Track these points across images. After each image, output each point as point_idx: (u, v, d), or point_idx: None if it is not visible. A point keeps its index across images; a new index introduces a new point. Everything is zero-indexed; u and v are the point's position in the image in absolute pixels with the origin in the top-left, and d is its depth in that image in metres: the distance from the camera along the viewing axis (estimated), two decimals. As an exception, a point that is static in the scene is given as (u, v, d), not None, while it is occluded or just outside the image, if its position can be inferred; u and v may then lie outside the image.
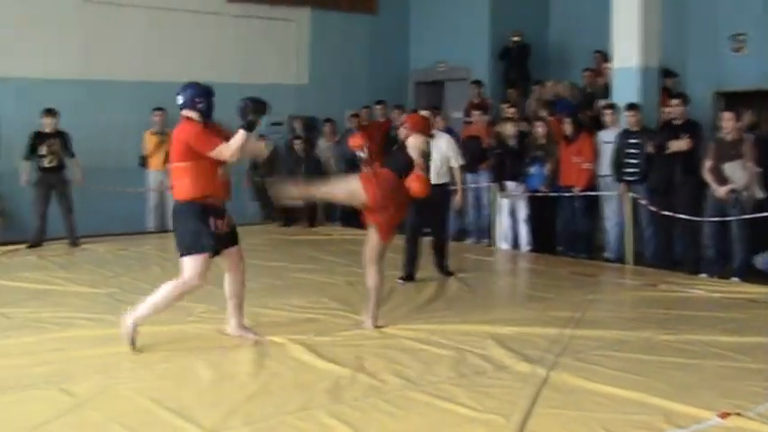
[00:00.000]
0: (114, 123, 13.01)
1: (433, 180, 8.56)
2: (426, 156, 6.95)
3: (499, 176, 11.34)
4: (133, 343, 6.22)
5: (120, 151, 13.02)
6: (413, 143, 6.84)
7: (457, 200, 9.52)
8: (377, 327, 6.87)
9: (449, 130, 12.29)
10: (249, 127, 6.26)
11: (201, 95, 6.41)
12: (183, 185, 6.24)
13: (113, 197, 12.63)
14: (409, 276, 8.96)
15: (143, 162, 13.05)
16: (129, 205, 12.87)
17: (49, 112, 11.58)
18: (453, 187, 9.40)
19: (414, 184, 6.64)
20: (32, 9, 12.48)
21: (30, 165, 11.60)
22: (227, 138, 6.26)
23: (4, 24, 12.26)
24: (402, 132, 7.18)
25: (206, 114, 6.38)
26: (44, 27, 12.55)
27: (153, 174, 13.05)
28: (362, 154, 6.90)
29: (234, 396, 5.24)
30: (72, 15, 12.77)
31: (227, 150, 6.17)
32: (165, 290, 6.29)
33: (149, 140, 12.96)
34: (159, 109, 12.94)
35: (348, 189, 6.81)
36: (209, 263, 6.28)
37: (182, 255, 6.28)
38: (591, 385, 5.35)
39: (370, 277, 6.88)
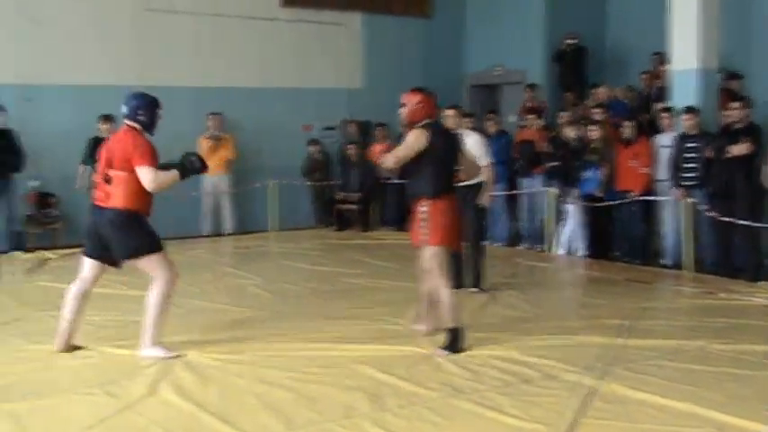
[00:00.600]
0: (169, 129, 12.97)
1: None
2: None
3: (564, 181, 11.14)
4: (171, 354, 6.25)
5: (174, 156, 13.07)
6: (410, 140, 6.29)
7: (485, 198, 8.79)
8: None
9: (503, 134, 12.24)
10: (183, 175, 6.35)
11: (144, 107, 6.32)
12: (122, 194, 6.12)
13: (168, 201, 12.59)
14: (457, 287, 8.63)
15: (199, 168, 13.12)
16: (183, 209, 12.98)
17: (106, 118, 11.73)
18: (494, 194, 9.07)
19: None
20: (91, 18, 12.67)
21: (87, 170, 11.75)
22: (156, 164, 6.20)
23: (64, 33, 12.45)
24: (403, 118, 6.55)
25: (147, 127, 6.33)
26: (102, 35, 12.73)
27: (207, 178, 13.13)
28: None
29: (277, 401, 5.22)
30: (129, 23, 12.93)
31: (153, 179, 6.10)
32: (154, 302, 6.23)
33: (203, 145, 13.06)
34: (214, 114, 13.05)
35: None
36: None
37: (139, 256, 6.20)
38: (641, 396, 5.22)
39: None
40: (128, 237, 6.17)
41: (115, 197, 6.15)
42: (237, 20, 13.70)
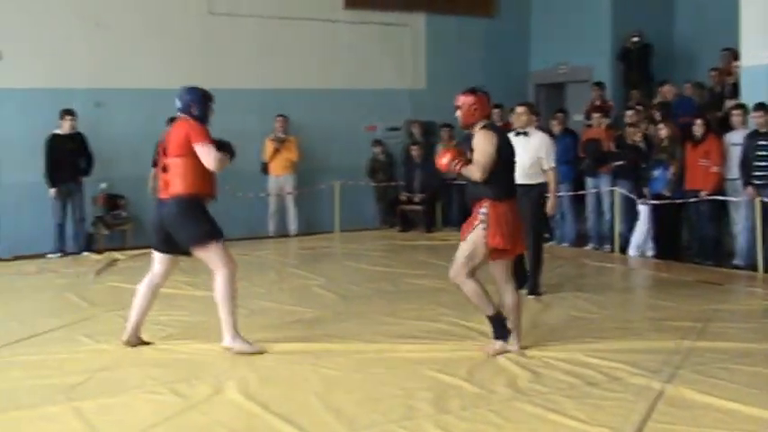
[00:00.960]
0: (235, 130, 13.15)
1: (522, 181, 7.92)
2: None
3: (637, 182, 10.96)
4: (255, 349, 6.34)
5: (240, 157, 13.10)
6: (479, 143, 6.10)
7: (549, 206, 8.48)
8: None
9: (569, 133, 12.10)
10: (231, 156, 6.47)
11: (197, 101, 6.44)
12: (180, 179, 6.23)
13: (234, 202, 12.88)
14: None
15: (264, 168, 13.27)
16: (249, 210, 13.12)
17: (173, 120, 11.87)
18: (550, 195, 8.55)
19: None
20: (157, 22, 12.87)
21: (155, 172, 11.92)
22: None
23: (131, 39, 12.67)
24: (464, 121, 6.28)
25: (200, 120, 6.42)
26: (169, 39, 12.93)
27: (273, 179, 13.27)
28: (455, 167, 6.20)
29: (340, 402, 5.22)
30: (194, 27, 13.10)
31: (216, 155, 6.19)
32: (222, 293, 6.33)
33: (269, 146, 13.17)
34: (281, 116, 13.15)
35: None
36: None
37: (202, 244, 6.29)
38: (710, 400, 5.11)
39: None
40: (190, 224, 6.27)
41: (174, 184, 6.27)
42: (300, 22, 13.78)
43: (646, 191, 10.72)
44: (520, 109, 8.47)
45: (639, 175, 10.89)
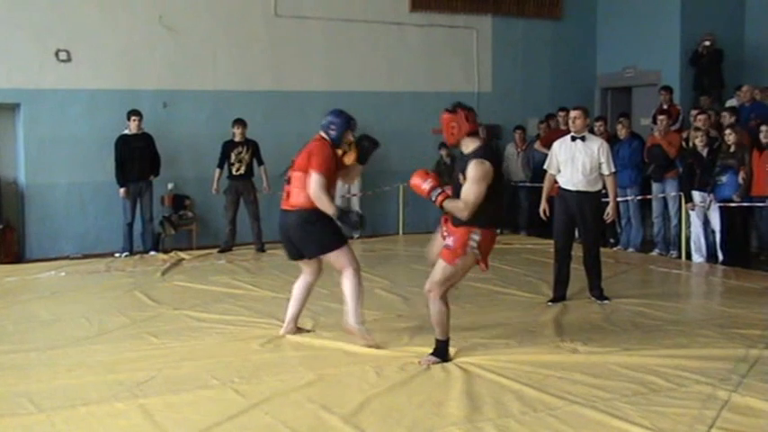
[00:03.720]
0: (301, 132, 13.29)
1: (582, 187, 8.11)
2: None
3: (687, 187, 10.82)
4: (372, 340, 6.56)
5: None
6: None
7: (610, 212, 8.36)
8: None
9: (635, 137, 11.94)
10: (341, 220, 6.66)
11: (337, 125, 6.72)
12: (301, 193, 6.51)
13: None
14: (560, 298, 8.28)
15: (328, 171, 13.31)
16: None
17: (239, 122, 12.06)
18: (606, 199, 8.45)
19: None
20: (223, 24, 13.02)
21: (220, 173, 12.09)
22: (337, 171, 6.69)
23: (198, 41, 12.84)
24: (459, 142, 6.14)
25: (334, 141, 6.70)
26: (235, 42, 13.07)
27: (338, 181, 13.29)
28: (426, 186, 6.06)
29: (401, 404, 5.24)
30: (262, 29, 13.22)
31: (316, 188, 6.40)
32: (349, 286, 6.60)
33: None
34: (348, 119, 13.19)
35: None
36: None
37: (326, 252, 6.60)
38: (777, 409, 5.00)
39: None
40: (313, 234, 6.56)
41: (294, 195, 6.56)
42: (366, 24, 13.83)
43: (711, 196, 10.53)
44: (575, 113, 8.35)
45: (701, 181, 10.69)
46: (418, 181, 6.04)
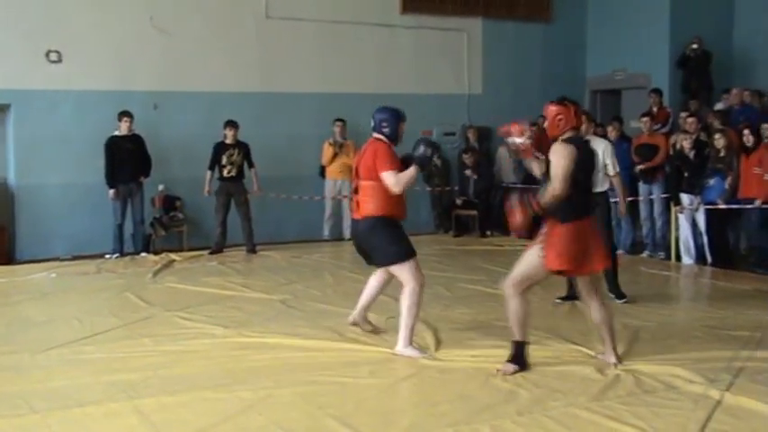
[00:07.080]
0: (292, 134, 13.38)
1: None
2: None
3: (674, 189, 10.88)
4: (424, 354, 6.43)
5: (297, 161, 13.38)
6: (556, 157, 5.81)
7: (620, 210, 8.80)
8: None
9: (625, 139, 12.00)
10: (422, 165, 6.53)
11: (388, 120, 6.63)
12: (370, 202, 6.44)
13: (290, 205, 13.04)
14: (571, 296, 8.31)
15: (322, 172, 13.34)
16: (305, 214, 13.23)
17: (231, 123, 12.06)
18: (615, 199, 8.65)
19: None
20: (214, 26, 13.01)
21: (212, 175, 12.09)
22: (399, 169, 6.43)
23: (189, 42, 12.82)
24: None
25: (390, 137, 6.60)
26: (226, 44, 13.05)
27: (330, 183, 13.33)
28: (519, 140, 6.08)
29: (396, 405, 5.29)
30: (252, 31, 13.22)
31: (395, 182, 6.34)
32: (407, 304, 6.44)
33: (327, 150, 13.23)
34: (340, 120, 13.20)
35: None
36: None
37: (390, 264, 6.50)
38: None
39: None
40: (383, 244, 6.47)
41: (364, 206, 6.50)
42: (357, 27, 13.84)
43: (698, 199, 10.59)
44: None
45: (688, 183, 10.75)
46: (512, 129, 6.06)
